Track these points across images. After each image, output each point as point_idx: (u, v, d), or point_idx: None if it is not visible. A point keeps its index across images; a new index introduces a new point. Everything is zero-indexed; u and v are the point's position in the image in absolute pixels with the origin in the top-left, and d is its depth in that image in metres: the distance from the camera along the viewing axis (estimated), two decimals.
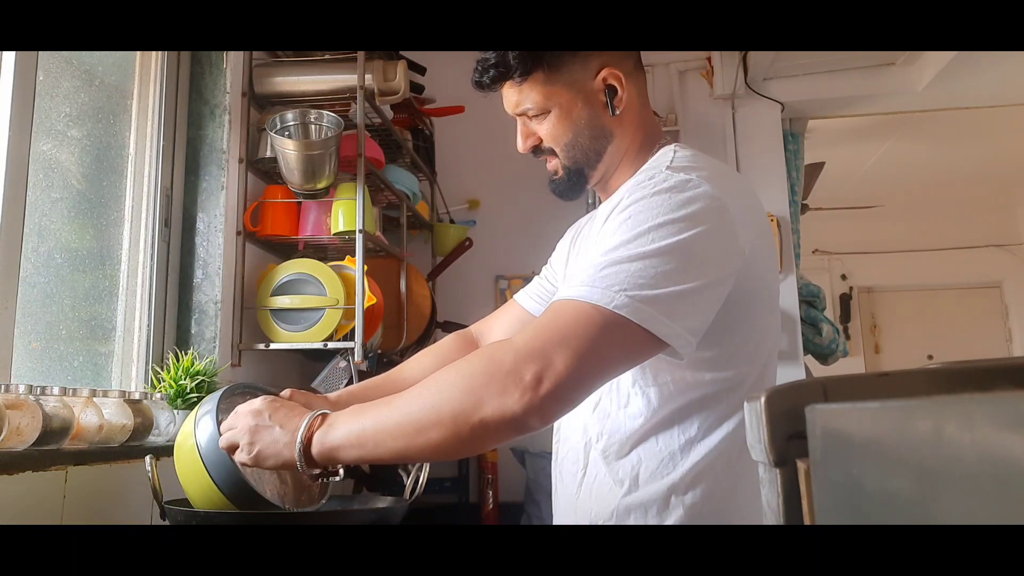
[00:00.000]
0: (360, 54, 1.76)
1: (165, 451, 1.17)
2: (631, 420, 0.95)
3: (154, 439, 1.30)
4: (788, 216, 2.57)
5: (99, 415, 1.16)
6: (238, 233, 1.71)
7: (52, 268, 1.34)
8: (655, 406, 0.94)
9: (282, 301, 1.70)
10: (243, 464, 0.91)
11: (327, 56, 1.82)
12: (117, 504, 1.19)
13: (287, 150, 1.63)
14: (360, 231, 1.69)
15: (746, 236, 0.89)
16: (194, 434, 0.94)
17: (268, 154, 1.76)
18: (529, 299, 1.24)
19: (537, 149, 1.04)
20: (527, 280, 1.30)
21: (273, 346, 1.70)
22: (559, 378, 0.78)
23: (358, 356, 1.65)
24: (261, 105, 1.83)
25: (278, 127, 1.68)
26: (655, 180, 0.89)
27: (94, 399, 1.18)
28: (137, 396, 1.32)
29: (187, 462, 0.94)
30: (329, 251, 1.92)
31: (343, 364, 1.74)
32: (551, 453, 1.10)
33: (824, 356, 2.66)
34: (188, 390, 1.33)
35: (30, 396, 1.04)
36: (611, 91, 1.00)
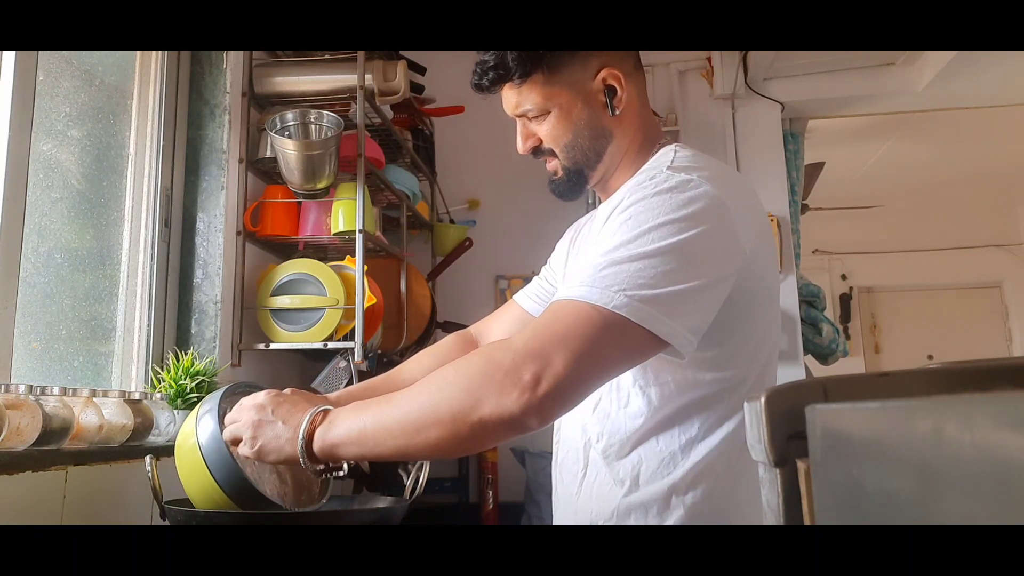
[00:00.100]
0: (360, 54, 1.76)
1: (165, 451, 1.17)
2: (631, 420, 0.95)
3: (154, 439, 1.30)
4: (788, 216, 2.57)
5: (99, 415, 1.16)
6: (238, 233, 1.71)
7: (52, 268, 1.34)
8: (656, 406, 0.94)
9: (282, 301, 1.70)
10: (246, 458, 0.91)
11: (327, 56, 1.82)
12: (117, 504, 1.19)
13: (287, 150, 1.63)
14: (360, 231, 1.69)
15: (746, 236, 0.89)
16: (195, 432, 0.94)
17: (268, 154, 1.76)
18: (528, 299, 1.24)
19: (537, 150, 1.04)
20: (527, 280, 1.30)
21: (273, 346, 1.70)
22: (558, 378, 0.78)
23: (358, 356, 1.65)
24: (261, 105, 1.83)
25: (278, 127, 1.68)
26: (656, 180, 0.89)
27: (94, 399, 1.18)
28: (137, 396, 1.32)
29: (188, 461, 0.94)
30: (329, 251, 1.92)
31: (343, 364, 1.74)
32: (551, 453, 1.10)
33: (824, 356, 2.66)
34: (188, 390, 1.33)
35: (30, 396, 1.04)
36: (611, 91, 1.00)
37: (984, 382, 0.43)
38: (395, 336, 2.04)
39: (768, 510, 0.46)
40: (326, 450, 0.86)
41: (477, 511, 2.32)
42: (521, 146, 1.05)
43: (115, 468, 1.19)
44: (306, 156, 1.63)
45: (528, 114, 1.02)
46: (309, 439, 0.86)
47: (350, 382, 1.70)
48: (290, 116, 1.68)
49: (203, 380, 1.36)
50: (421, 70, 2.17)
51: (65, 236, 1.39)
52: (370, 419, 0.84)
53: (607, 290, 0.81)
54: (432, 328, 2.27)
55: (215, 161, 1.67)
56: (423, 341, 2.21)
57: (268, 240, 1.79)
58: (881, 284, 5.99)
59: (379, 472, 1.20)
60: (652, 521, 0.92)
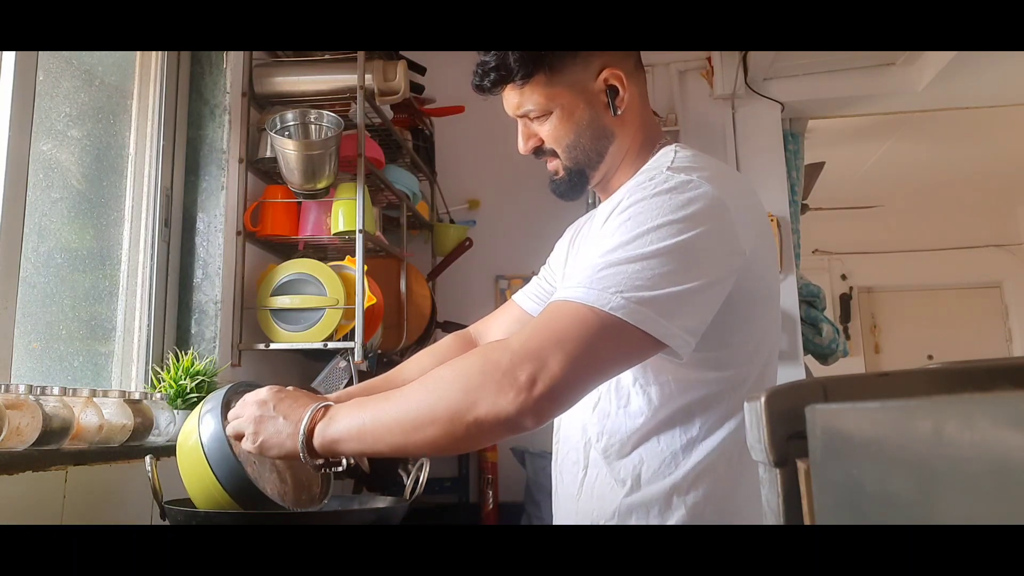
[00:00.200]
0: (360, 54, 1.76)
1: (165, 451, 1.18)
2: (632, 419, 0.95)
3: (154, 439, 1.30)
4: (788, 216, 2.57)
5: (99, 415, 1.16)
6: (238, 233, 1.71)
7: (52, 268, 1.34)
8: (656, 405, 0.94)
9: (282, 301, 1.70)
10: (248, 454, 0.92)
11: (327, 56, 1.82)
12: (117, 504, 1.19)
13: (287, 150, 1.63)
14: (360, 231, 1.69)
15: (746, 236, 0.89)
16: (198, 430, 0.95)
17: (268, 154, 1.76)
18: (528, 299, 1.24)
19: (538, 150, 1.04)
20: (527, 280, 1.30)
21: (273, 346, 1.70)
22: (553, 379, 0.78)
23: (358, 356, 1.65)
24: (261, 105, 1.83)
25: (278, 127, 1.68)
26: (656, 181, 0.89)
27: (94, 399, 1.18)
28: (137, 396, 1.32)
29: (189, 459, 0.94)
30: (329, 251, 1.92)
31: (343, 364, 1.74)
32: (551, 453, 1.10)
33: (824, 356, 2.66)
34: (188, 390, 1.33)
35: (30, 396, 1.04)
36: (612, 91, 1.00)
37: (984, 382, 0.43)
38: (395, 336, 2.04)
39: (768, 510, 0.46)
40: (326, 445, 0.87)
41: (477, 511, 2.32)
42: (522, 146, 1.05)
43: (115, 468, 1.19)
44: (306, 156, 1.63)
45: (530, 114, 1.01)
46: (310, 434, 0.88)
47: (350, 382, 1.70)
48: (290, 116, 1.68)
49: (203, 380, 1.36)
50: (421, 70, 2.17)
51: (65, 236, 1.39)
52: (369, 416, 0.85)
53: (604, 291, 0.81)
54: (432, 328, 2.27)
55: (215, 161, 1.67)
56: (423, 341, 2.21)
57: (268, 240, 1.79)
58: (881, 284, 5.99)
59: (379, 472, 1.20)
60: (653, 521, 0.92)
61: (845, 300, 5.94)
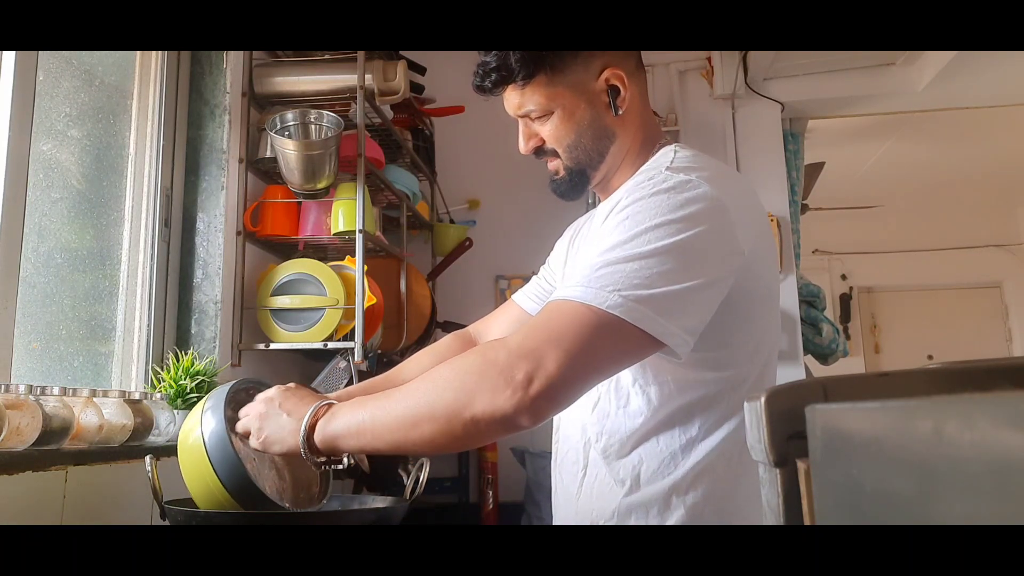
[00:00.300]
0: (360, 54, 1.76)
1: (165, 451, 1.18)
2: (631, 419, 0.95)
3: (154, 439, 1.30)
4: (788, 216, 2.57)
5: (99, 415, 1.16)
6: (238, 233, 1.71)
7: (52, 268, 1.34)
8: (655, 405, 0.94)
9: (282, 301, 1.70)
10: (249, 450, 0.94)
11: (327, 56, 1.82)
12: (117, 504, 1.19)
13: (287, 150, 1.63)
14: (360, 231, 1.69)
15: (745, 236, 0.89)
16: (200, 425, 0.95)
17: (268, 154, 1.76)
18: (527, 299, 1.24)
19: (539, 150, 1.04)
20: (527, 280, 1.30)
21: (273, 346, 1.70)
22: (550, 378, 0.78)
23: (358, 356, 1.65)
24: (261, 105, 1.83)
25: (278, 127, 1.68)
26: (654, 181, 0.89)
27: (94, 399, 1.18)
28: (137, 396, 1.32)
29: (190, 455, 0.95)
30: (329, 251, 1.92)
31: (343, 364, 1.74)
32: (551, 453, 1.10)
33: (824, 356, 2.66)
34: (188, 390, 1.33)
35: (30, 396, 1.04)
36: (614, 91, 1.00)
37: (984, 382, 0.43)
38: (395, 336, 2.04)
39: (768, 510, 0.46)
40: (326, 441, 0.88)
41: (477, 511, 2.32)
42: (523, 146, 1.05)
43: (115, 468, 1.19)
44: (306, 156, 1.63)
45: (531, 115, 1.01)
46: (311, 430, 0.88)
47: (350, 382, 1.70)
48: (290, 116, 1.68)
49: (203, 380, 1.36)
50: (421, 70, 2.17)
51: (65, 236, 1.39)
52: (369, 413, 0.86)
53: (602, 290, 0.81)
54: (432, 328, 2.27)
55: (215, 161, 1.67)
56: (423, 341, 2.21)
57: (268, 240, 1.79)
58: (881, 284, 5.99)
59: (379, 472, 1.20)
60: (653, 521, 0.92)
61: (845, 300, 5.94)
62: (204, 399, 1.00)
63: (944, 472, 0.27)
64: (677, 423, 0.93)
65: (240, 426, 0.95)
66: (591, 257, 0.86)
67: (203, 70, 1.71)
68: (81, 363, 1.41)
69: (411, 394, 0.85)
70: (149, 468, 0.97)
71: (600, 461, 0.97)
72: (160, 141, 1.62)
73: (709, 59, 2.62)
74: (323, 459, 0.91)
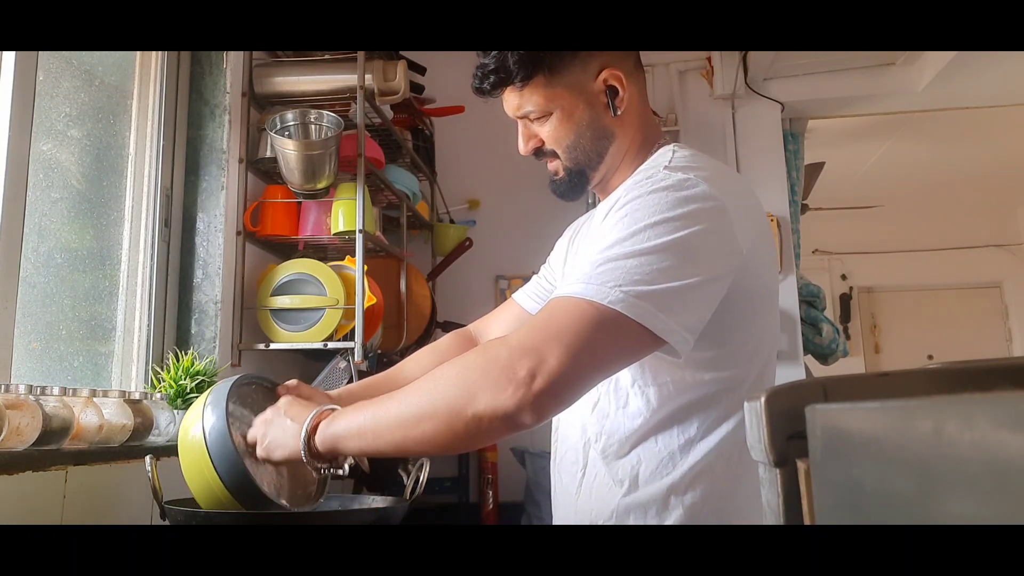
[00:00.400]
0: (360, 54, 1.76)
1: (165, 451, 1.18)
2: (630, 420, 0.95)
3: (154, 439, 1.30)
4: (788, 216, 2.57)
5: (99, 415, 1.16)
6: (238, 233, 1.71)
7: (52, 268, 1.34)
8: (654, 406, 0.94)
9: (282, 301, 1.70)
10: (261, 458, 0.94)
11: (327, 56, 1.82)
12: (117, 504, 1.19)
13: (287, 150, 1.63)
14: (360, 231, 1.69)
15: (744, 236, 0.89)
16: (201, 418, 0.96)
17: (268, 154, 1.76)
18: (527, 298, 1.24)
19: (539, 151, 1.04)
20: (527, 280, 1.30)
21: (273, 346, 1.70)
22: (552, 375, 0.78)
23: (358, 356, 1.65)
24: (261, 105, 1.83)
25: (278, 127, 1.68)
26: (653, 179, 0.89)
27: (94, 399, 1.18)
28: (137, 396, 1.31)
29: (191, 450, 0.95)
30: (329, 251, 1.92)
31: (343, 364, 1.74)
32: (551, 453, 1.10)
33: (824, 356, 2.66)
34: (188, 390, 1.33)
35: (30, 396, 1.04)
36: (612, 92, 1.00)
37: (984, 382, 0.43)
38: (395, 336, 2.04)
39: (768, 510, 0.46)
40: (328, 443, 0.88)
41: (477, 511, 2.32)
42: (523, 147, 1.05)
43: (115, 468, 1.19)
44: (306, 156, 1.63)
45: (530, 116, 1.02)
46: (312, 433, 0.89)
47: (350, 382, 1.70)
48: (290, 116, 1.68)
49: (203, 380, 1.36)
50: (421, 70, 2.17)
51: (65, 236, 1.39)
52: (370, 414, 0.86)
53: (603, 286, 0.81)
54: (432, 328, 2.27)
55: (215, 161, 1.67)
56: (423, 341, 2.21)
57: (268, 240, 1.79)
58: (881, 284, 5.99)
59: (379, 472, 1.20)
60: (651, 521, 0.92)
61: (845, 300, 5.94)
62: (206, 392, 1.00)
63: (944, 472, 0.27)
64: (676, 423, 0.93)
65: (250, 435, 0.96)
66: (591, 254, 0.86)
67: (203, 70, 1.71)
68: (81, 363, 1.41)
69: (412, 393, 0.85)
70: (149, 468, 0.97)
71: (599, 461, 0.97)
72: (160, 141, 1.62)
73: (709, 59, 2.62)
74: (324, 464, 0.91)
